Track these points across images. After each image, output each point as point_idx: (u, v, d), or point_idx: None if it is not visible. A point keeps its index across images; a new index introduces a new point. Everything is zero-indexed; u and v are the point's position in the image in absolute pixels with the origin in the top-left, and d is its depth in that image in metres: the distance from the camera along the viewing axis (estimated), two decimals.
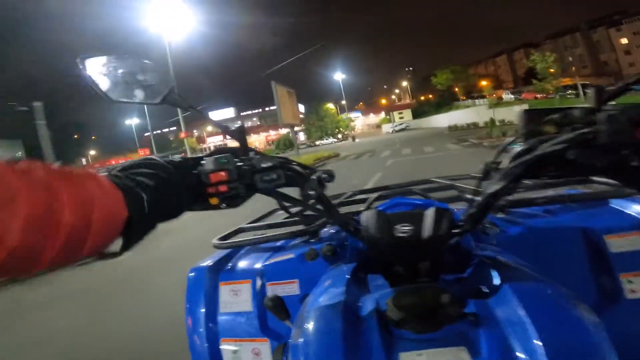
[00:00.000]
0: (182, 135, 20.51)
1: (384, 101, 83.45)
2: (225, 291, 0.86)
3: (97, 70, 0.50)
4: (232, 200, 0.54)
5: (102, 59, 0.51)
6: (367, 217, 0.57)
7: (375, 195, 1.07)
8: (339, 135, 60.99)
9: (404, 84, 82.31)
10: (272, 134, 70.67)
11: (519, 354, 0.37)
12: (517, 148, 0.49)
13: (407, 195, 1.02)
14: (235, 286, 0.86)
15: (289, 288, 0.82)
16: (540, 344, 0.36)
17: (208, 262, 0.92)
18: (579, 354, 0.36)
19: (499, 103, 32.55)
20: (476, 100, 42.44)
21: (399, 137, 35.97)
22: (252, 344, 0.81)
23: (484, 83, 58.65)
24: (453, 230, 0.53)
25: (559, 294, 0.43)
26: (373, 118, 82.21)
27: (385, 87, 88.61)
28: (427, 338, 0.42)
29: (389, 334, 0.43)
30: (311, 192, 0.55)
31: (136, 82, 0.53)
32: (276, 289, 0.83)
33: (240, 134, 0.57)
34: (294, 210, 0.93)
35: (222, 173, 0.52)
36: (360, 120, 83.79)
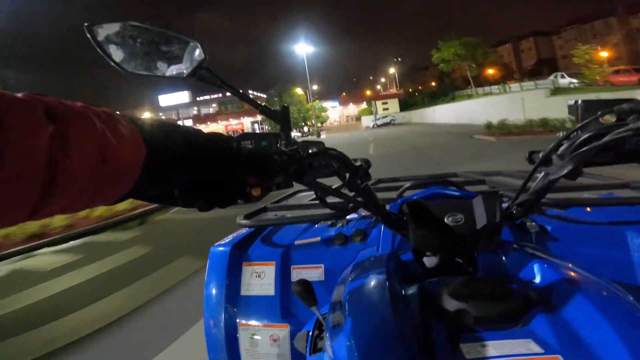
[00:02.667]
0: None
1: (368, 92, 70.18)
2: (247, 272, 0.84)
3: (110, 40, 0.44)
4: (267, 191, 0.47)
5: (116, 27, 0.45)
6: (413, 207, 0.54)
7: (406, 184, 0.99)
8: (305, 129, 48.26)
9: (391, 71, 69.10)
10: (234, 123, 58.61)
11: (593, 348, 0.35)
12: (579, 136, 0.50)
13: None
14: (258, 268, 0.83)
15: (314, 273, 0.80)
16: (617, 338, 0.35)
17: (231, 241, 0.88)
18: None
19: (558, 89, 20.14)
20: (497, 87, 29.77)
21: (380, 135, 23.96)
22: (271, 330, 0.79)
23: (490, 71, 46.29)
24: (508, 216, 0.53)
25: (612, 290, 0.43)
26: (353, 109, 69.27)
27: (371, 78, 75.54)
28: (485, 329, 0.40)
29: (442, 325, 0.42)
30: (359, 182, 0.52)
31: (159, 54, 0.48)
32: (301, 273, 0.81)
33: (284, 115, 0.51)
34: (330, 202, 0.80)
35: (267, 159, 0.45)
36: (337, 111, 70.86)
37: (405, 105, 53.26)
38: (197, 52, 0.49)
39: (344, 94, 79.21)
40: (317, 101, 52.30)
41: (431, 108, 37.35)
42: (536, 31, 61.34)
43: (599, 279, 0.45)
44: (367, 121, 48.63)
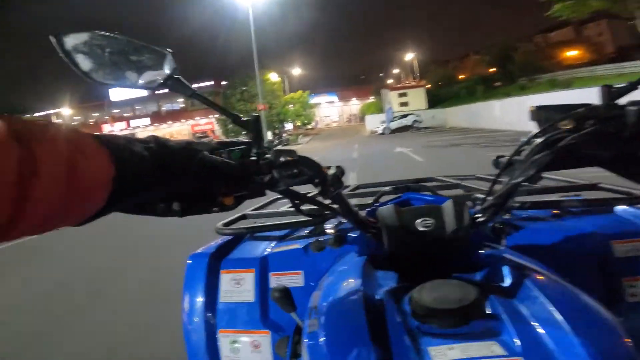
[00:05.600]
0: None
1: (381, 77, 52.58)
2: (226, 279, 0.84)
3: (78, 49, 0.44)
4: (240, 200, 0.50)
5: (83, 36, 0.44)
6: (385, 213, 0.56)
7: (382, 189, 1.00)
8: (284, 131, 32.02)
9: (409, 56, 51.47)
10: (202, 123, 43.95)
11: (554, 349, 0.37)
12: (537, 141, 0.51)
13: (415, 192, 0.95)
14: (237, 275, 0.83)
15: (293, 279, 0.81)
16: (577, 339, 0.36)
17: (210, 249, 0.89)
18: (614, 350, 0.37)
19: None
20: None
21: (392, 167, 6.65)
22: (252, 336, 0.80)
23: (572, 53, 29.15)
24: (476, 220, 0.55)
25: (576, 293, 0.45)
26: (355, 104, 52.27)
27: (381, 74, 57.93)
28: (453, 333, 0.41)
29: (413, 328, 0.43)
30: (331, 189, 0.54)
31: (128, 63, 0.47)
32: (280, 280, 0.81)
33: (256, 124, 0.52)
34: (305, 209, 0.82)
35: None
36: (335, 109, 54.01)
37: (436, 100, 35.35)
38: (168, 61, 0.49)
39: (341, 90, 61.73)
40: (302, 92, 35.36)
41: (489, 103, 20.35)
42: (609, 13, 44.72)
43: (564, 281, 0.47)
44: (374, 122, 31.14)
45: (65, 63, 0.43)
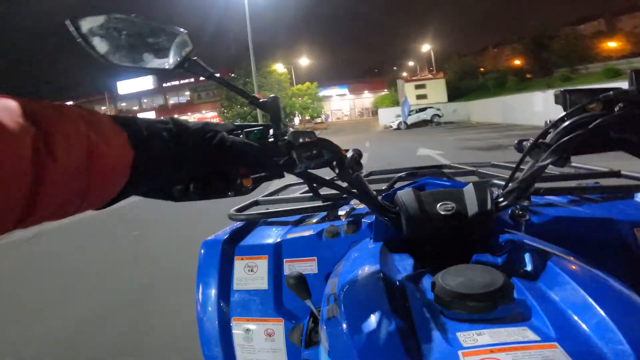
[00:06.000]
0: None
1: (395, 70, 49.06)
2: (240, 267, 0.83)
3: (94, 32, 0.44)
4: (258, 182, 0.49)
5: (100, 19, 0.44)
6: (405, 197, 0.55)
7: (397, 175, 1.01)
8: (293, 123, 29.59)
9: (425, 48, 47.99)
10: (209, 116, 42.30)
11: (589, 334, 0.36)
12: (565, 124, 0.51)
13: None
14: (251, 262, 0.83)
15: (307, 266, 0.80)
16: (612, 324, 0.35)
17: (222, 235, 0.88)
18: None
19: None
20: None
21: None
22: (265, 324, 0.79)
23: (612, 45, 26.05)
24: (499, 204, 0.55)
25: (604, 277, 0.44)
26: (368, 97, 49.15)
27: (395, 68, 54.38)
28: (481, 318, 0.40)
29: (438, 313, 0.42)
30: (350, 172, 0.53)
31: (145, 45, 0.47)
32: (294, 267, 0.81)
33: (274, 106, 0.51)
34: (323, 192, 0.82)
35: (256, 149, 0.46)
36: (346, 102, 51.08)
37: (456, 92, 32.00)
38: (184, 42, 0.48)
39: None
40: (310, 84, 32.58)
41: (527, 95, 17.35)
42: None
43: (589, 266, 0.46)
44: (389, 116, 28.23)
45: (82, 47, 0.42)
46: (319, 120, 40.21)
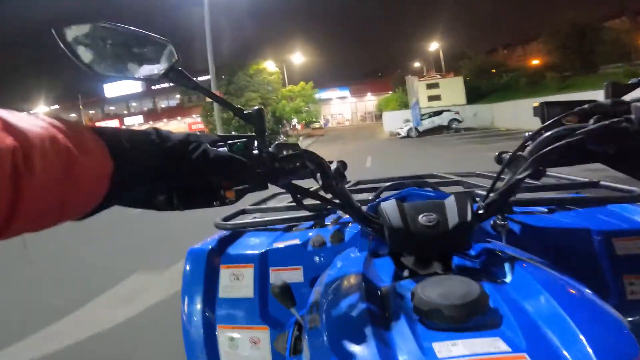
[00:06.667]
0: None
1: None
2: (226, 275, 0.84)
3: (79, 41, 0.43)
4: (242, 193, 0.50)
5: (85, 28, 0.44)
6: (388, 208, 0.56)
7: (383, 185, 1.01)
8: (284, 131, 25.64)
9: (434, 46, 43.75)
10: (199, 120, 38.47)
11: (558, 345, 0.37)
12: (542, 137, 0.52)
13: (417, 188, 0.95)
14: (237, 270, 0.83)
15: (293, 275, 0.81)
16: (581, 334, 0.36)
17: (209, 243, 0.89)
18: (617, 344, 0.37)
19: None
20: None
21: None
22: (251, 332, 0.80)
23: None
24: (478, 216, 0.56)
25: (578, 288, 0.45)
26: (371, 100, 45.10)
27: (399, 70, 50.25)
28: (456, 328, 0.41)
29: (416, 323, 0.43)
30: (334, 183, 0.54)
31: (130, 55, 0.47)
32: (280, 275, 0.81)
33: (259, 118, 0.52)
34: (306, 203, 0.81)
35: (239, 162, 0.46)
36: (347, 105, 47.16)
37: (476, 94, 27.30)
38: (170, 53, 0.48)
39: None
40: (304, 84, 28.57)
41: (568, 96, 13.40)
42: None
43: (565, 277, 0.47)
44: (395, 121, 23.67)
45: (66, 56, 0.42)
46: (317, 125, 36.31)
